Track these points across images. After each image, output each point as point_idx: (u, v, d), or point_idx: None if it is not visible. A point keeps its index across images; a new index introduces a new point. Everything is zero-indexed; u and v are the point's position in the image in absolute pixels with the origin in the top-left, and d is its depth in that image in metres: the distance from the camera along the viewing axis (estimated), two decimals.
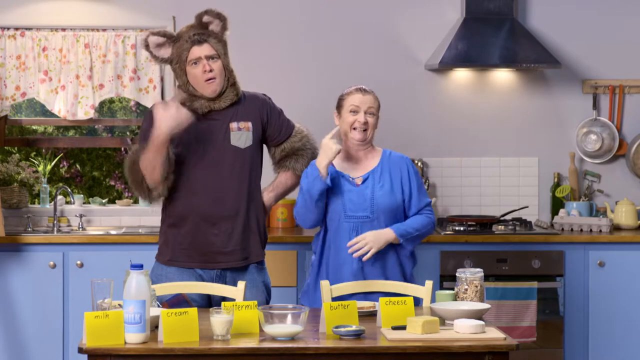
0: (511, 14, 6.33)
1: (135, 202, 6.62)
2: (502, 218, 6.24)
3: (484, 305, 4.02)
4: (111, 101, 7.44)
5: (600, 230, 6.16)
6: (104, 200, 6.66)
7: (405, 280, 4.63)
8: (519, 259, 5.94)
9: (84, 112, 6.30)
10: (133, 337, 3.63)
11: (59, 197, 6.45)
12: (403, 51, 6.49)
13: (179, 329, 3.67)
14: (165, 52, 4.61)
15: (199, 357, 3.65)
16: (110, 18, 6.34)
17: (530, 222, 6.22)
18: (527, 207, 6.42)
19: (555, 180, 6.52)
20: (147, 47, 4.60)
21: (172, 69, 4.65)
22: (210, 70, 4.54)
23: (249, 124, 4.64)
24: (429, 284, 4.42)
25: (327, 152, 4.51)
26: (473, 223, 6.11)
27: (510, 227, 6.10)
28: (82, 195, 6.58)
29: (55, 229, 6.25)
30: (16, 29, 6.31)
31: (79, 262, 5.87)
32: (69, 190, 6.33)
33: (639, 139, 6.51)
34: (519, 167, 6.57)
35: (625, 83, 6.56)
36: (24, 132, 7.31)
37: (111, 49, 6.32)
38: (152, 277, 4.56)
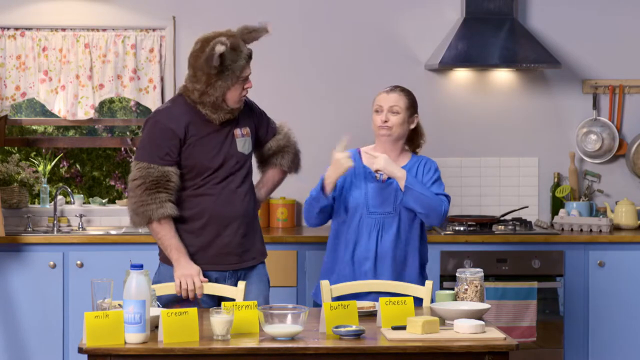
0: (511, 14, 6.33)
1: None
2: (502, 218, 6.24)
3: (484, 305, 4.02)
4: (111, 101, 7.44)
5: (600, 230, 6.16)
6: (104, 200, 6.66)
7: (422, 273, 4.66)
8: (519, 259, 5.94)
9: (84, 112, 6.30)
10: (133, 337, 3.63)
11: (59, 197, 6.45)
12: (403, 51, 6.49)
13: (179, 329, 3.67)
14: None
15: (199, 357, 3.64)
16: (110, 18, 6.34)
17: (530, 222, 6.22)
18: (527, 207, 6.42)
19: (555, 180, 6.52)
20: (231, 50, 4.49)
21: (207, 76, 4.45)
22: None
23: (249, 130, 4.65)
24: (429, 284, 4.43)
25: (339, 168, 4.51)
26: (473, 223, 6.11)
27: (510, 227, 6.10)
28: (82, 195, 6.58)
29: (55, 229, 6.25)
30: (16, 29, 6.31)
31: (79, 262, 5.87)
32: (69, 190, 6.33)
33: (639, 139, 6.51)
34: (519, 167, 6.57)
35: (625, 83, 6.56)
36: (24, 132, 7.31)
37: (111, 49, 6.32)
38: (161, 280, 4.57)
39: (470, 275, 4.16)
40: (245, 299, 4.42)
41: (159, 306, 4.09)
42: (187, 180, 4.54)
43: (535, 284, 5.84)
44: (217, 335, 3.71)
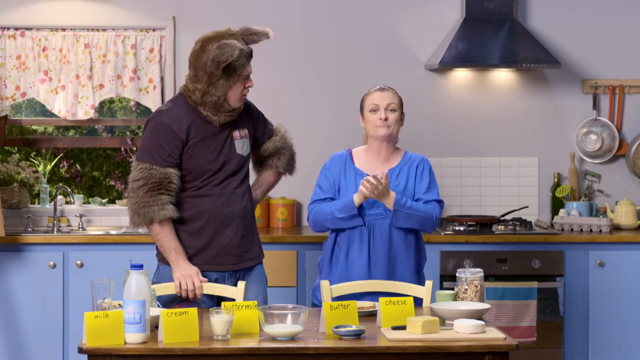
0: (511, 14, 6.33)
1: None
2: (502, 218, 6.24)
3: (484, 305, 4.02)
4: (111, 101, 7.44)
5: (600, 230, 6.16)
6: (104, 200, 6.66)
7: (418, 272, 4.65)
8: (519, 259, 5.94)
9: (84, 112, 6.30)
10: (133, 337, 3.64)
11: (59, 197, 6.45)
12: (403, 51, 6.49)
13: (179, 329, 3.67)
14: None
15: (199, 357, 3.64)
16: (110, 18, 6.34)
17: (530, 222, 6.22)
18: (527, 207, 6.42)
19: (555, 180, 6.52)
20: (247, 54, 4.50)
21: (209, 75, 4.46)
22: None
23: (247, 131, 4.65)
24: (429, 284, 4.43)
25: (364, 191, 4.50)
26: (473, 223, 6.11)
27: (510, 227, 6.09)
28: (82, 195, 6.58)
29: (55, 229, 6.25)
30: (16, 29, 6.31)
31: (79, 262, 5.87)
32: (69, 190, 6.33)
33: (639, 139, 6.51)
34: (519, 167, 6.57)
35: (625, 83, 6.56)
36: (24, 132, 7.31)
37: (111, 49, 6.32)
38: (160, 280, 4.57)
39: (470, 275, 4.16)
40: (244, 299, 4.42)
41: (159, 306, 4.09)
42: (187, 181, 4.54)
43: (535, 284, 5.84)
44: (217, 335, 3.71)
